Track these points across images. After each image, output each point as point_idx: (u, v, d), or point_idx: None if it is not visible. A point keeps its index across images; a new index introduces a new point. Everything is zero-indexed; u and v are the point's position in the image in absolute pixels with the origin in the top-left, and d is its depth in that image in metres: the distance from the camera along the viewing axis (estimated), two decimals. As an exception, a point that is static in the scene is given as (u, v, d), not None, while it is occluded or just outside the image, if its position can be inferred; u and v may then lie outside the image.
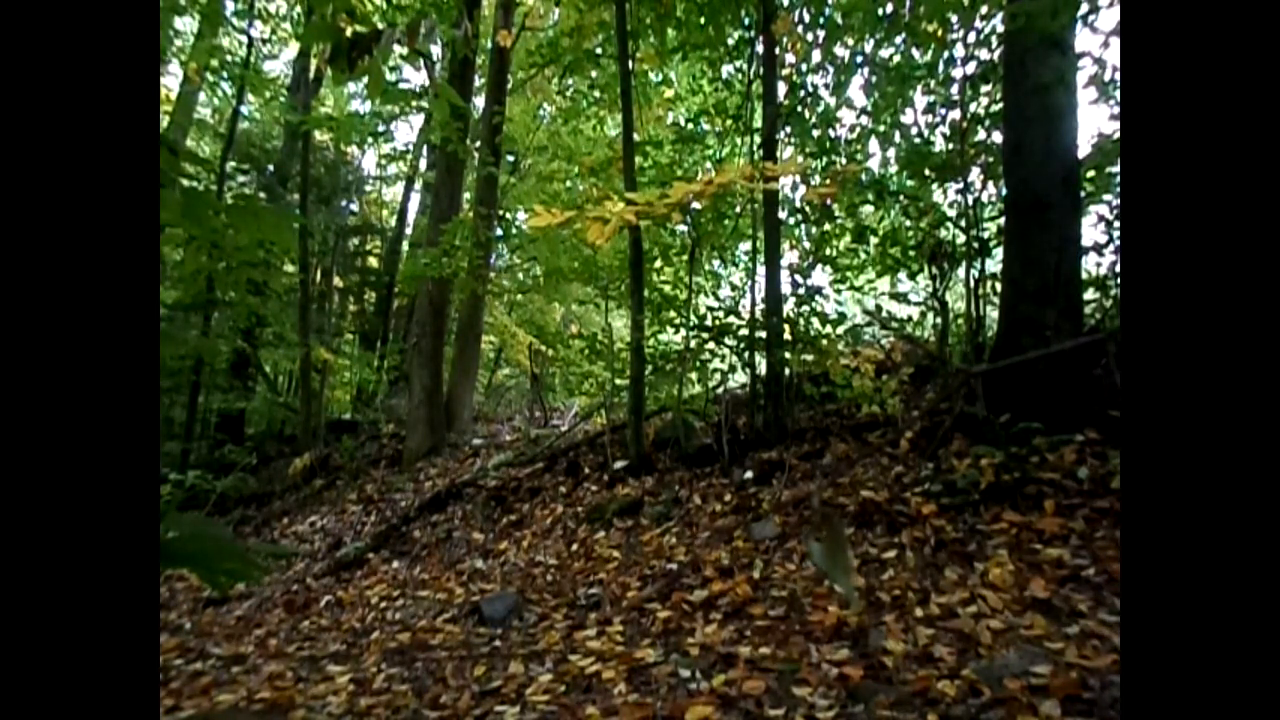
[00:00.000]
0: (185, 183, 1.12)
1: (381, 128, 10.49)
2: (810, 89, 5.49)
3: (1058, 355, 3.28)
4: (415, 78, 10.10)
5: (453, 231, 6.98)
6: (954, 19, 4.49)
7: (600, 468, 5.19)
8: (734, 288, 6.48)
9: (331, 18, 1.50)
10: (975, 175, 4.67)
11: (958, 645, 2.03)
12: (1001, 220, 4.18)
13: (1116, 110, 3.93)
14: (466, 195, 9.53)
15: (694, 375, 5.80)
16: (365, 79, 1.48)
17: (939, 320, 4.73)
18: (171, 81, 10.88)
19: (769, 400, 4.67)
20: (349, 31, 1.40)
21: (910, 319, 5.21)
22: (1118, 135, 3.89)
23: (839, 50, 5.35)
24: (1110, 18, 4.44)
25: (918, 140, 5.03)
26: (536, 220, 3.03)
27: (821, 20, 5.14)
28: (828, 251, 5.54)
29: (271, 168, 11.27)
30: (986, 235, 4.50)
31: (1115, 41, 3.60)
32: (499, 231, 9.04)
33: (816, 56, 5.43)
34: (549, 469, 5.64)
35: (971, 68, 4.59)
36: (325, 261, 11.99)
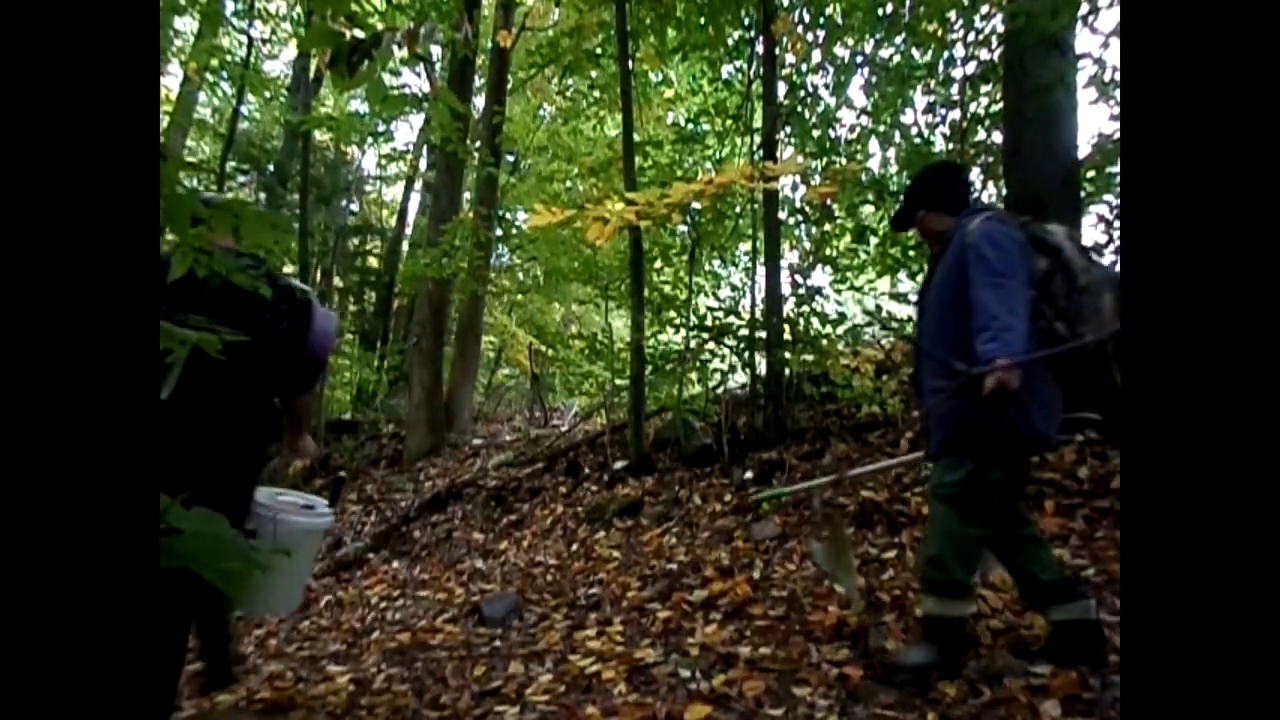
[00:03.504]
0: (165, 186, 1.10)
1: (381, 128, 10.48)
2: (810, 89, 5.49)
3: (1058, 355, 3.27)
4: (415, 81, 10.10)
5: (453, 232, 6.98)
6: (954, 19, 4.50)
7: (600, 468, 5.19)
8: (734, 288, 6.48)
9: (331, 21, 1.50)
10: (975, 175, 4.67)
11: (957, 645, 2.02)
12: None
13: (1116, 110, 3.93)
14: (466, 195, 9.53)
15: (694, 375, 5.79)
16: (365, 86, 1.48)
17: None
18: (171, 81, 10.87)
19: (769, 400, 4.67)
20: (348, 36, 1.39)
21: (910, 319, 5.21)
22: (1118, 135, 3.89)
23: (839, 50, 5.36)
24: (1110, 18, 4.44)
25: (918, 140, 5.04)
26: (537, 219, 3.03)
27: (821, 20, 5.15)
28: (828, 251, 5.54)
29: (271, 168, 11.27)
30: (987, 235, 4.49)
31: (1115, 41, 3.61)
32: (499, 231, 9.03)
33: (816, 56, 5.44)
34: (549, 469, 5.64)
35: (971, 68, 4.60)
36: (325, 261, 11.98)
